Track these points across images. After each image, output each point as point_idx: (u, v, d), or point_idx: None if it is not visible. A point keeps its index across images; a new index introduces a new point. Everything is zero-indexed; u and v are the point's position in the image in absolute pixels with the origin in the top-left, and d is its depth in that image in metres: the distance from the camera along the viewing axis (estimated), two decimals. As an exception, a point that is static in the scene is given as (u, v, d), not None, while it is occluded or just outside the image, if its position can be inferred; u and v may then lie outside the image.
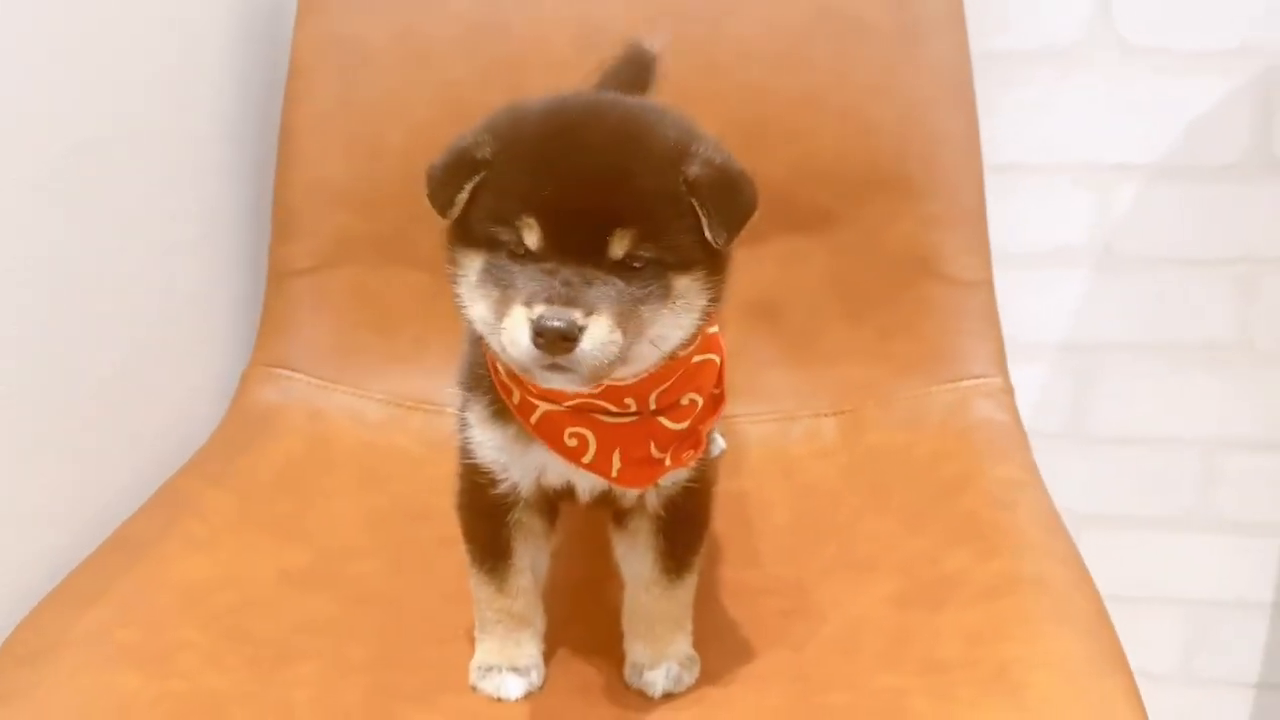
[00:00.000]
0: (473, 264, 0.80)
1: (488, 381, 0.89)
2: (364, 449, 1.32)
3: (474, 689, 0.94)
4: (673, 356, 0.82)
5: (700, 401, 0.88)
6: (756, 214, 0.82)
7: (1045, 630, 0.93)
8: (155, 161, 1.23)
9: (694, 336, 0.82)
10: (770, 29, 1.33)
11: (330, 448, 1.31)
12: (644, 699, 0.93)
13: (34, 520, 1.05)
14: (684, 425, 0.87)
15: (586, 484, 0.91)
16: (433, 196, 0.81)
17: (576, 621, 1.02)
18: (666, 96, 1.35)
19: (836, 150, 1.32)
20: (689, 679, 0.94)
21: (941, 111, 1.30)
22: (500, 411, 0.90)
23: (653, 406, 0.86)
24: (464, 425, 0.92)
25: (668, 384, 0.85)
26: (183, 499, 1.17)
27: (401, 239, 1.38)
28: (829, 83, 1.32)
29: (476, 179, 0.79)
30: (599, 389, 0.82)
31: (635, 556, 0.95)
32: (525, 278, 0.76)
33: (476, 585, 0.96)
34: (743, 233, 0.81)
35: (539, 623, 0.97)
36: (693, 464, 0.90)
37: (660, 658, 0.94)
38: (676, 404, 0.87)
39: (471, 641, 0.99)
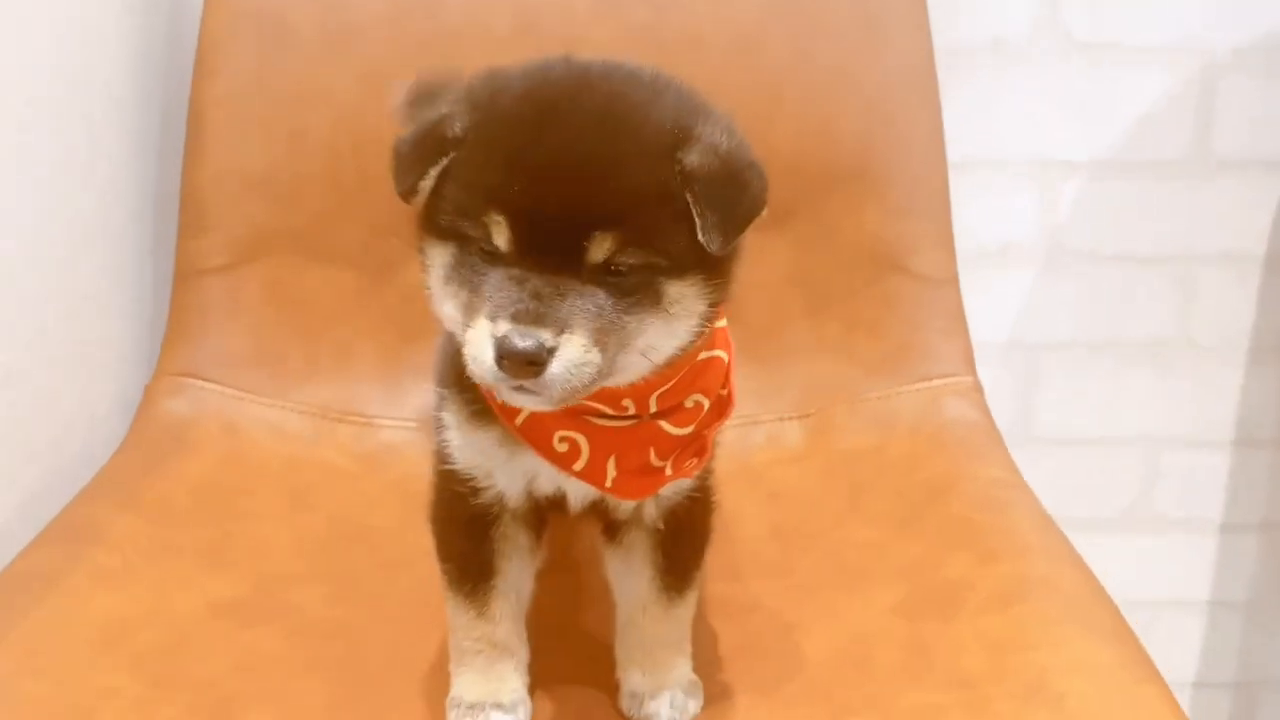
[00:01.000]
0: (441, 257, 0.71)
1: (467, 378, 0.78)
2: (288, 466, 1.18)
3: (454, 730, 0.83)
4: (670, 364, 0.73)
5: (706, 404, 0.79)
6: (765, 211, 0.72)
7: (1069, 635, 0.88)
8: (44, 147, 1.08)
9: (694, 343, 0.73)
10: (722, 16, 1.26)
11: (250, 465, 1.17)
12: (646, 730, 0.84)
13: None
14: (688, 430, 0.78)
15: (579, 492, 0.82)
16: (396, 177, 0.71)
17: (562, 647, 0.92)
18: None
19: (795, 142, 1.26)
20: (695, 707, 0.85)
21: (904, 102, 1.26)
22: (482, 412, 0.79)
23: (653, 409, 0.77)
24: (440, 427, 0.81)
25: (670, 385, 0.76)
26: (86, 526, 1.02)
27: (324, 233, 1.25)
28: (786, 72, 1.25)
29: (444, 161, 0.69)
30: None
31: (631, 574, 0.85)
32: (493, 284, 0.67)
33: (453, 610, 0.84)
34: (746, 233, 0.72)
35: (523, 652, 0.86)
36: (696, 473, 0.82)
37: (661, 685, 0.85)
38: (680, 407, 0.78)
39: (441, 674, 0.88)
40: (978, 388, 1.24)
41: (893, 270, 1.26)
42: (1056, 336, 1.53)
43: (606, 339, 0.67)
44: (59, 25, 1.10)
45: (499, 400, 0.76)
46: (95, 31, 1.17)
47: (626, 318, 0.68)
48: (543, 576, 0.93)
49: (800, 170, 1.26)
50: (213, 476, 1.14)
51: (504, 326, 0.65)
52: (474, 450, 0.80)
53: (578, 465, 0.77)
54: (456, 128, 0.69)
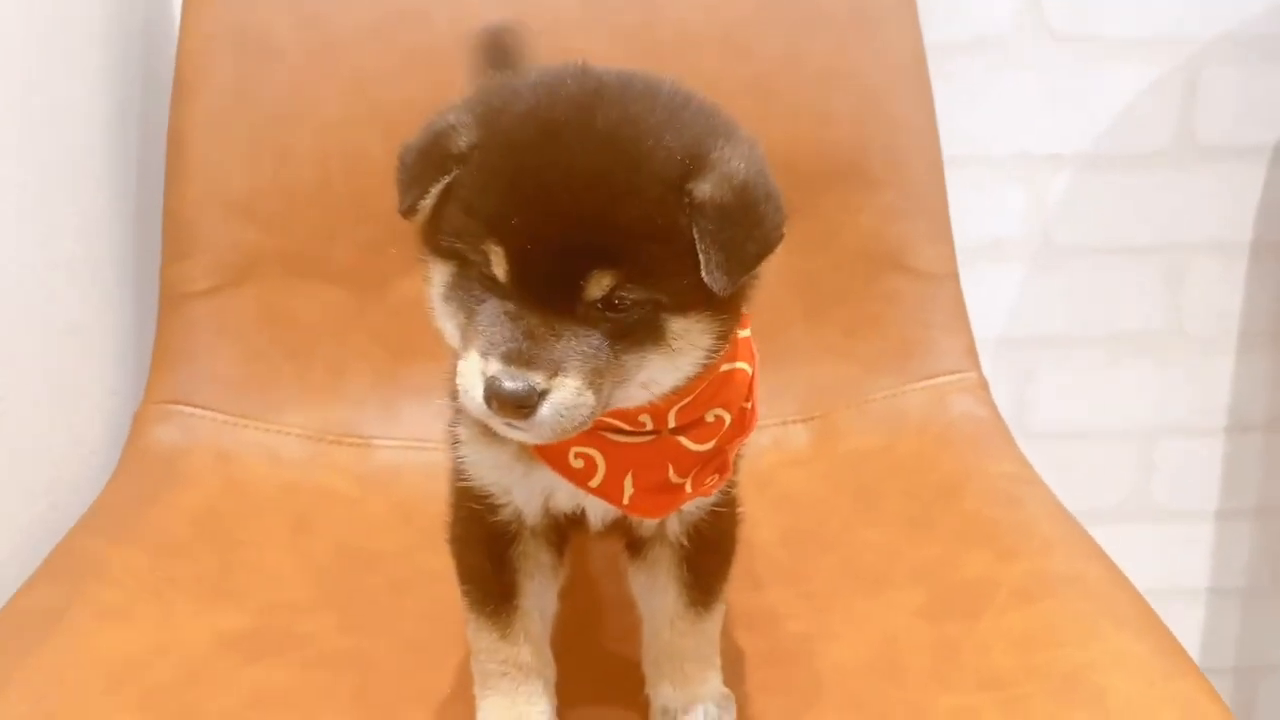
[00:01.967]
0: (441, 274, 0.69)
1: None
2: (287, 491, 1.15)
3: (482, 756, 0.81)
4: (675, 391, 0.70)
5: (728, 418, 0.76)
6: (779, 247, 0.68)
7: (1101, 630, 0.87)
8: (22, 172, 1.04)
9: (700, 374, 0.70)
10: (713, 16, 1.25)
11: (248, 493, 1.14)
12: (679, 748, 0.82)
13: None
14: (708, 446, 0.76)
15: (599, 509, 0.79)
16: (399, 192, 0.68)
17: (586, 664, 0.89)
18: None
19: (790, 141, 1.24)
20: (728, 720, 0.83)
21: (898, 98, 1.25)
22: None
23: (672, 424, 0.74)
24: (456, 443, 0.79)
25: (689, 399, 0.73)
26: (85, 561, 0.98)
27: (313, 252, 1.23)
28: (779, 70, 1.24)
29: (446, 180, 0.66)
30: None
31: (656, 590, 0.83)
32: (487, 316, 0.65)
33: (475, 633, 0.82)
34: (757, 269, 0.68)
35: (549, 672, 0.83)
36: (714, 491, 0.79)
37: (693, 699, 0.83)
38: (700, 421, 0.75)
39: (462, 700, 0.86)
40: (983, 383, 1.23)
41: (892, 268, 1.25)
42: (1049, 331, 1.53)
43: (601, 379, 0.65)
44: (35, 51, 1.07)
45: None
46: (72, 57, 1.13)
47: (625, 356, 0.66)
48: (564, 592, 0.91)
49: (795, 170, 1.24)
50: (210, 505, 1.11)
51: (495, 366, 0.63)
52: (490, 466, 0.78)
53: (594, 482, 0.75)
54: (461, 143, 0.66)
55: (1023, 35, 1.43)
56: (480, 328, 0.64)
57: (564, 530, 0.82)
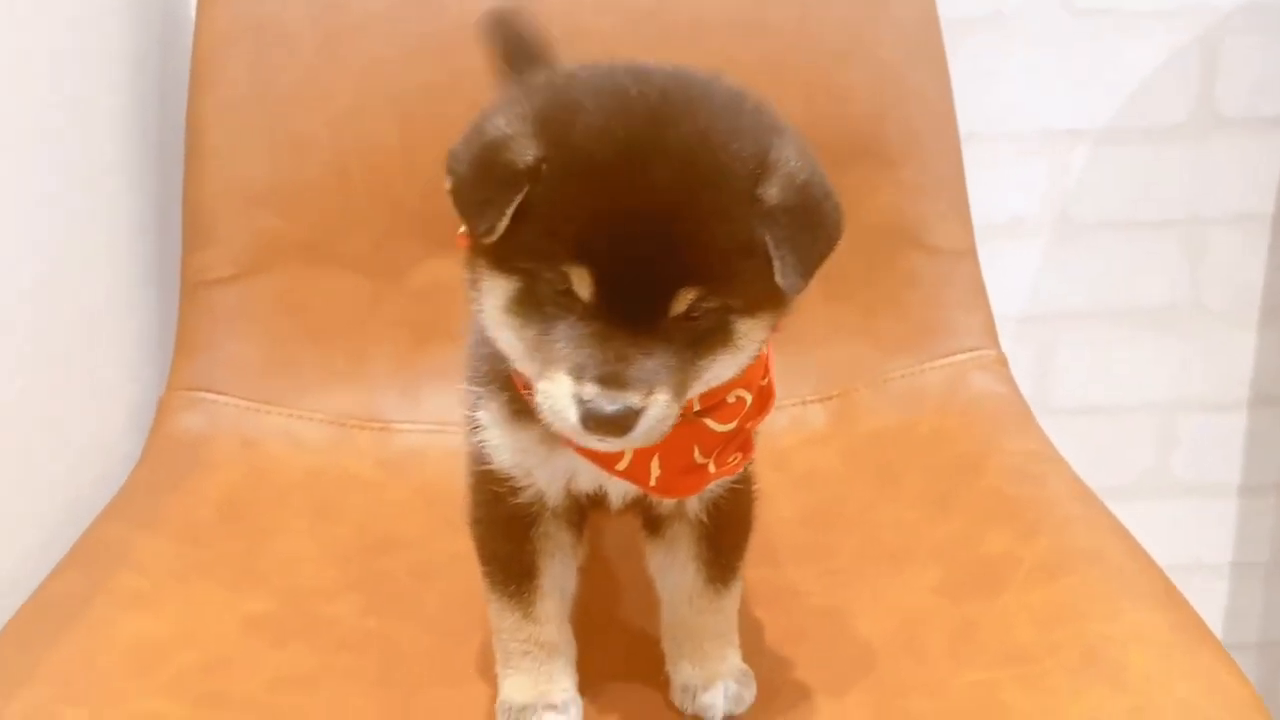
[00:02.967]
0: (500, 287, 0.68)
1: (505, 377, 0.77)
2: (310, 476, 1.16)
3: (506, 734, 0.81)
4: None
5: (748, 398, 0.77)
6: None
7: (1122, 606, 0.87)
8: (42, 169, 1.05)
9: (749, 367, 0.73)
10: (722, -1, 1.24)
11: (272, 478, 1.15)
12: (699, 724, 0.83)
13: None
14: (731, 426, 0.77)
15: (620, 489, 0.80)
16: (465, 210, 0.67)
17: (607, 645, 0.90)
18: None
19: (806, 119, 1.18)
20: (749, 696, 0.84)
21: (914, 74, 1.24)
22: (522, 410, 0.77)
23: (696, 408, 0.75)
24: (476, 427, 0.79)
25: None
26: (110, 548, 1.00)
27: (332, 239, 1.23)
28: (792, 48, 1.24)
29: (519, 198, 0.65)
30: None
31: (675, 567, 0.84)
32: (572, 336, 0.65)
33: (497, 613, 0.83)
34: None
35: (571, 651, 0.84)
36: (738, 470, 0.80)
37: (713, 677, 0.84)
38: (723, 403, 0.76)
39: (486, 680, 0.86)
40: (1002, 360, 1.23)
41: (910, 246, 1.25)
42: (1069, 307, 1.52)
43: (684, 388, 0.67)
44: (56, 45, 1.07)
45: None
46: (92, 50, 1.14)
47: (700, 361, 0.68)
48: (583, 573, 0.92)
49: (814, 147, 1.24)
50: (234, 491, 1.12)
51: (590, 390, 0.63)
52: (514, 449, 0.78)
53: (621, 465, 0.75)
54: (528, 157, 0.65)
55: (1039, 9, 1.42)
56: (564, 349, 0.65)
57: (583, 510, 0.83)
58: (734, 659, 0.85)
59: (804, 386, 1.26)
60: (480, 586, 0.83)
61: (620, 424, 0.64)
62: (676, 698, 0.84)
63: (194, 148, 1.21)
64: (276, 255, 1.22)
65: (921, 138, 1.24)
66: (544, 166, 0.64)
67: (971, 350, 1.23)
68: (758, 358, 0.77)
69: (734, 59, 1.23)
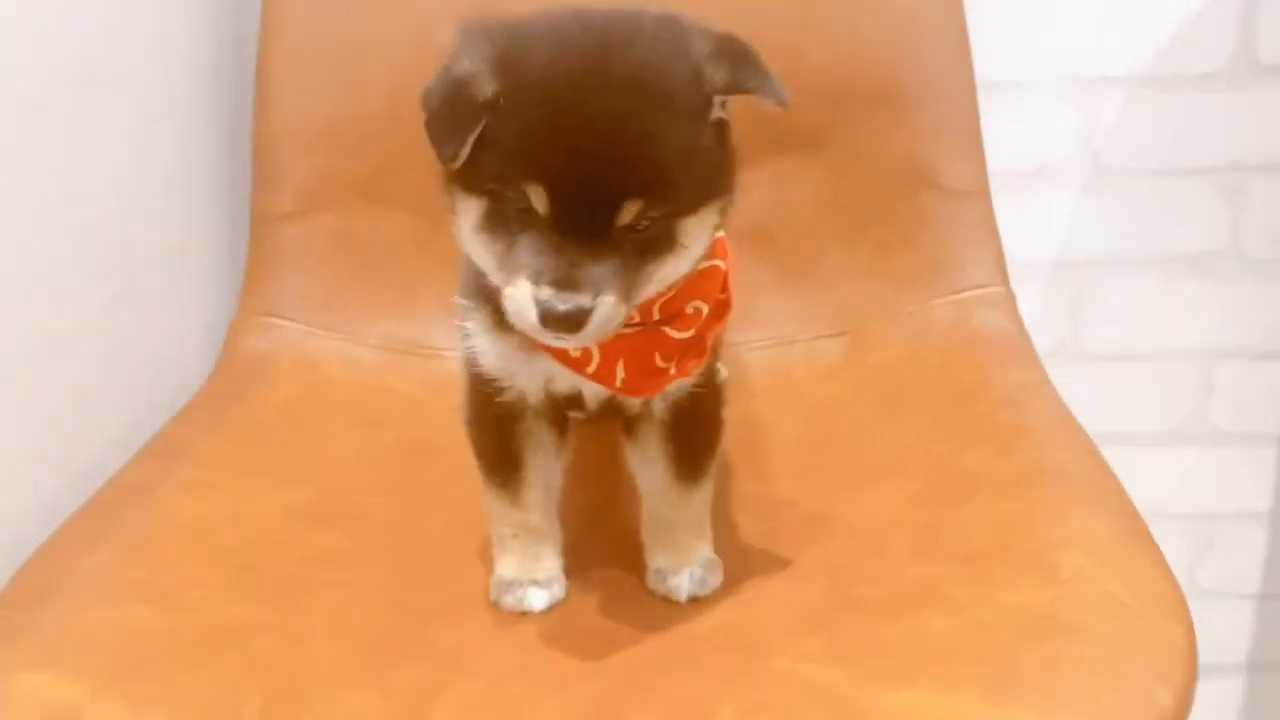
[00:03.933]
0: (471, 208, 0.77)
1: (488, 290, 0.86)
2: (361, 393, 1.28)
3: (496, 605, 0.92)
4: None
5: (705, 309, 0.85)
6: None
7: (1073, 515, 0.92)
8: (126, 106, 1.19)
9: (696, 267, 0.80)
10: (747, -54, 1.30)
11: (326, 392, 1.28)
12: (670, 604, 0.91)
13: (21, 470, 1.01)
14: (689, 334, 0.85)
15: (593, 391, 0.89)
16: (435, 141, 0.75)
17: (596, 539, 1.00)
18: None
19: (824, 66, 1.30)
20: (714, 581, 0.92)
21: (930, 19, 1.29)
22: (503, 321, 0.86)
23: (656, 316, 0.83)
24: (466, 335, 0.89)
25: (672, 293, 0.82)
26: (177, 446, 1.13)
27: (386, 180, 1.34)
28: (812, -2, 1.30)
29: (479, 127, 0.73)
30: None
31: (647, 464, 0.93)
32: (530, 246, 0.73)
33: (490, 501, 0.93)
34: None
35: (556, 536, 0.95)
36: (697, 372, 0.88)
37: (683, 563, 0.92)
38: (681, 313, 0.84)
39: (489, 565, 0.97)
40: (1009, 296, 1.28)
41: (923, 186, 1.30)
42: (1104, 253, 1.54)
43: (631, 289, 0.75)
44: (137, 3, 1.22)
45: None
46: (169, 6, 1.28)
47: (648, 266, 0.75)
48: (580, 481, 1.02)
49: (830, 94, 1.31)
50: (291, 402, 1.25)
51: (547, 292, 0.71)
52: (497, 354, 0.88)
53: (590, 369, 0.84)
54: (488, 90, 0.73)
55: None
56: (524, 258, 0.73)
57: (563, 411, 0.92)
58: (703, 549, 0.94)
59: (820, 322, 1.33)
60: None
61: (573, 321, 0.72)
62: (650, 581, 0.93)
63: (263, 92, 1.33)
64: (335, 193, 1.34)
65: (936, 82, 1.29)
66: (501, 99, 0.73)
67: (980, 287, 1.28)
68: (715, 272, 0.85)
69: (757, 7, 1.31)
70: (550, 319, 0.72)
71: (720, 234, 0.87)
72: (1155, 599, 0.82)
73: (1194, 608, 1.66)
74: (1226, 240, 1.52)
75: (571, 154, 0.72)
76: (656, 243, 0.75)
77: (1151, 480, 1.61)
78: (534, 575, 0.92)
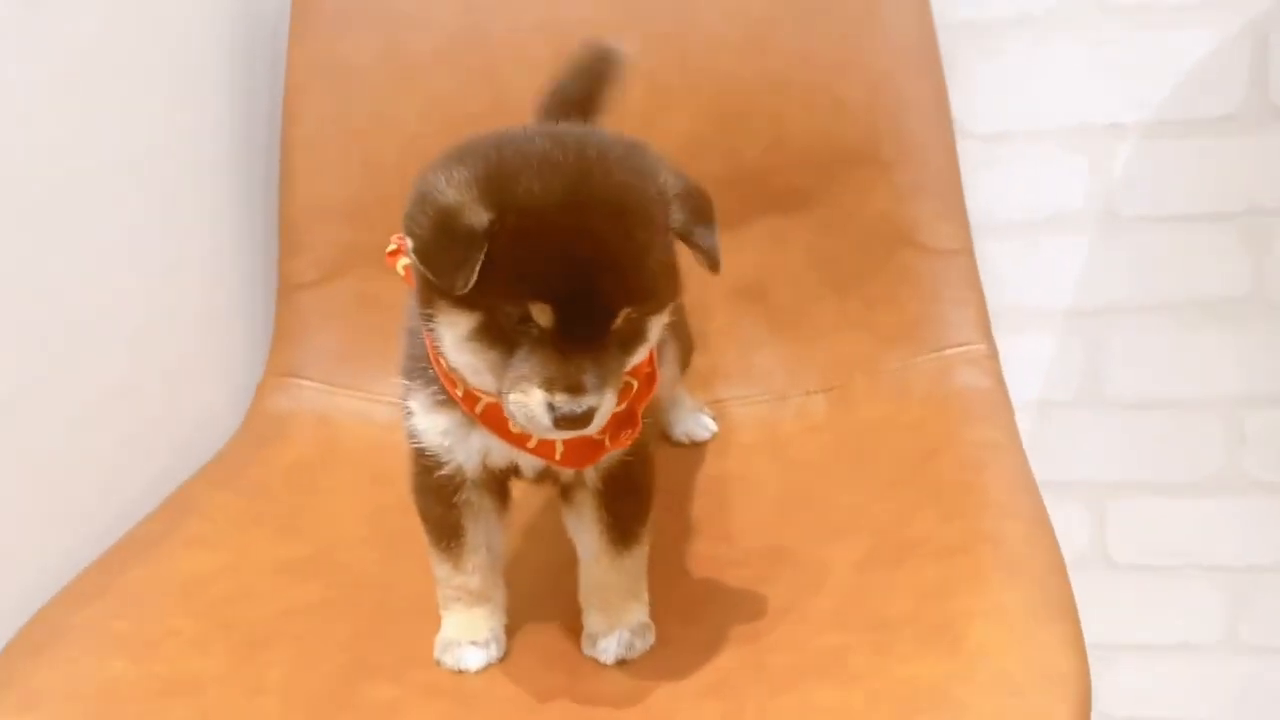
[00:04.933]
0: (461, 320, 0.82)
1: (430, 373, 0.93)
2: (371, 449, 1.37)
3: (438, 663, 0.98)
4: None
5: (635, 385, 0.91)
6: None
7: (993, 583, 0.93)
8: (162, 184, 1.31)
9: None
10: (735, 17, 1.35)
11: (338, 449, 1.37)
12: (597, 666, 0.96)
13: (48, 525, 1.12)
14: (623, 408, 0.90)
15: (529, 463, 0.95)
16: (434, 268, 0.80)
17: (545, 599, 1.05)
18: (641, 93, 1.39)
19: (807, 130, 1.33)
20: (641, 646, 0.97)
21: (907, 81, 1.31)
22: (444, 401, 0.93)
23: None
24: (408, 413, 0.96)
25: None
26: (190, 502, 1.23)
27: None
28: (795, 64, 1.34)
29: (482, 254, 0.78)
30: None
31: (583, 529, 0.98)
32: (534, 356, 0.80)
33: (436, 564, 1.00)
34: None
35: (498, 597, 1.00)
36: (629, 443, 0.93)
37: (614, 626, 0.97)
38: None
39: (446, 616, 1.03)
40: (991, 354, 1.28)
41: (905, 245, 1.32)
42: (1121, 301, 1.52)
43: (619, 380, 0.84)
44: (173, 86, 1.34)
45: (457, 393, 0.90)
46: (206, 84, 1.40)
47: (627, 358, 0.84)
48: (534, 541, 1.08)
49: (812, 157, 1.34)
50: (304, 459, 1.34)
51: (561, 398, 0.79)
52: (436, 432, 0.94)
53: (531, 444, 0.91)
54: (482, 219, 0.78)
55: (1071, 6, 1.43)
56: (531, 368, 0.80)
57: (503, 481, 0.98)
58: (637, 613, 0.98)
59: (809, 378, 1.36)
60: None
61: (584, 420, 0.80)
62: (583, 643, 0.98)
63: (286, 170, 1.44)
64: (353, 262, 1.44)
65: (916, 142, 1.31)
66: (495, 226, 0.78)
67: (962, 345, 1.29)
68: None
69: (742, 76, 1.36)
70: (564, 421, 0.80)
71: None
72: (1048, 676, 0.82)
73: (1237, 663, 1.63)
74: (1248, 286, 1.48)
75: (573, 274, 0.79)
76: (633, 338, 0.84)
77: (1182, 531, 1.59)
78: (473, 636, 0.98)
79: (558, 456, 0.91)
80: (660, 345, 0.95)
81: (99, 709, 0.92)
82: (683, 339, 1.26)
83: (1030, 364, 1.54)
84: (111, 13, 1.21)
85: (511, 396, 0.81)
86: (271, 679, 0.97)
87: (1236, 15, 1.38)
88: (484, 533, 0.98)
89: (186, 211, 1.36)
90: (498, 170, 0.80)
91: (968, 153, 1.39)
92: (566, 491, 0.98)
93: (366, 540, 1.20)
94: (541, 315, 0.79)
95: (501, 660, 0.99)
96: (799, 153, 1.35)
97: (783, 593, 1.02)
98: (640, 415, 0.92)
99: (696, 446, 1.32)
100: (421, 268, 0.81)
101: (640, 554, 0.98)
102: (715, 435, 1.34)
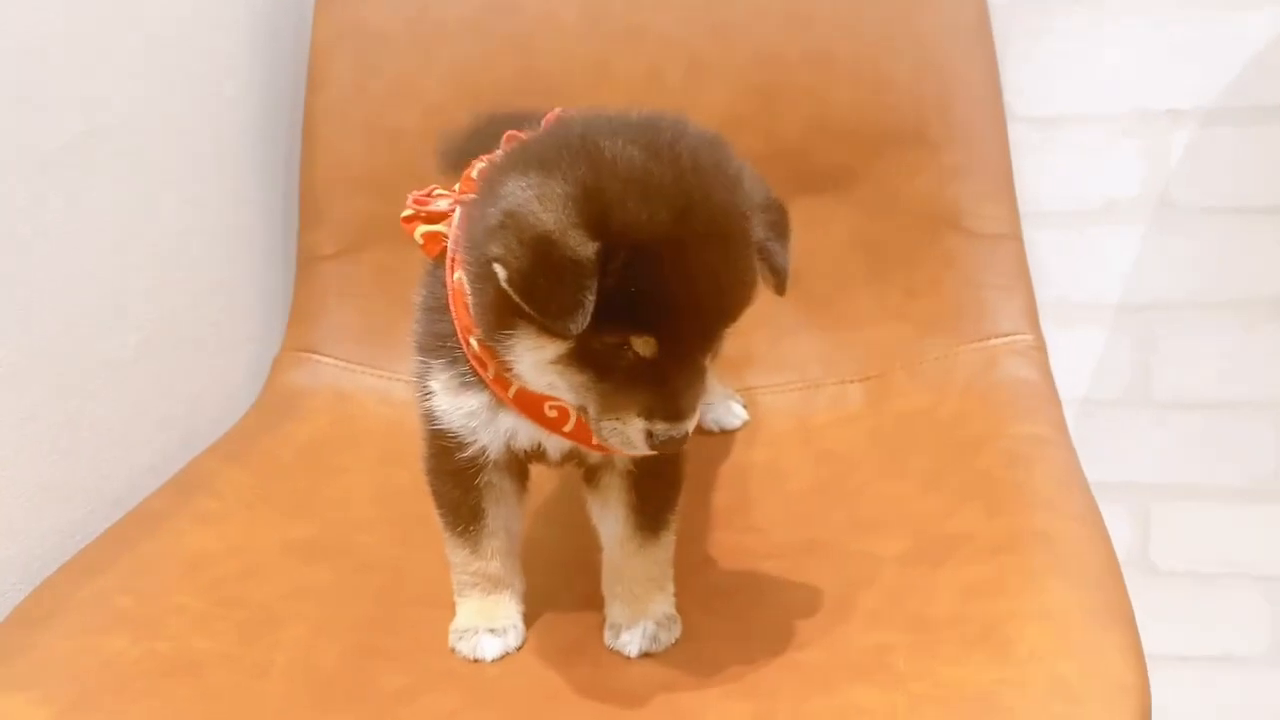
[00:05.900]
0: (549, 346, 0.77)
1: (455, 351, 0.88)
2: (387, 428, 1.32)
3: (453, 651, 0.93)
4: None
5: None
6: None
7: (1045, 585, 0.87)
8: (185, 157, 1.27)
9: None
10: (774, -8, 1.30)
11: (354, 427, 1.32)
12: (621, 659, 0.91)
13: (56, 496, 1.08)
14: None
15: (555, 444, 0.90)
16: (543, 309, 0.73)
17: (563, 588, 1.00)
18: (678, 67, 1.34)
19: (851, 106, 1.28)
20: (666, 639, 0.91)
21: (957, 59, 1.25)
22: (470, 382, 0.88)
23: None
24: (427, 394, 0.91)
25: None
26: (200, 478, 1.19)
27: (422, 222, 1.38)
28: (839, 38, 1.28)
29: (595, 287, 0.72)
30: None
31: (609, 515, 0.93)
32: (633, 384, 0.76)
33: (452, 549, 0.95)
34: None
35: (517, 584, 0.95)
36: None
37: (638, 618, 0.92)
38: None
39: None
40: (1039, 345, 1.22)
41: (950, 229, 1.26)
42: (1174, 295, 1.45)
43: (706, 394, 0.82)
44: (199, 49, 1.30)
45: (488, 375, 0.86)
46: (227, 61, 1.36)
47: (709, 369, 0.81)
48: (555, 528, 1.03)
49: (857, 135, 1.29)
50: (318, 437, 1.30)
51: (661, 426, 0.76)
52: (461, 414, 0.89)
53: (567, 428, 0.86)
54: (589, 250, 0.72)
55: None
56: (631, 396, 0.76)
57: (523, 462, 0.93)
58: (662, 604, 0.93)
59: (846, 367, 1.30)
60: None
61: (682, 443, 0.78)
62: (606, 635, 0.93)
63: (308, 140, 1.40)
64: (373, 235, 1.39)
65: (965, 122, 1.25)
66: (606, 258, 0.73)
67: (1008, 335, 1.23)
68: None
69: (785, 50, 1.30)
70: (663, 445, 0.77)
71: None
72: (1107, 684, 0.77)
73: (1286, 679, 1.55)
74: (1308, 282, 1.41)
75: (683, 309, 0.75)
76: (717, 348, 0.80)
77: (1234, 538, 1.52)
78: (490, 623, 0.93)
79: (595, 440, 0.85)
80: None
81: (96, 687, 0.87)
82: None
83: (1076, 360, 1.48)
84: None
85: (605, 423, 0.78)
86: (276, 662, 0.92)
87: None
88: (504, 516, 0.93)
89: (209, 180, 1.32)
90: (596, 188, 0.74)
91: (1016, 137, 1.33)
92: (592, 475, 0.93)
93: (374, 524, 1.16)
94: (644, 347, 0.75)
95: (519, 650, 0.93)
96: (841, 131, 1.29)
97: (816, 588, 0.97)
98: None
99: (726, 434, 1.27)
100: (520, 301, 0.74)
101: (668, 541, 0.93)
102: (746, 423, 1.28)
